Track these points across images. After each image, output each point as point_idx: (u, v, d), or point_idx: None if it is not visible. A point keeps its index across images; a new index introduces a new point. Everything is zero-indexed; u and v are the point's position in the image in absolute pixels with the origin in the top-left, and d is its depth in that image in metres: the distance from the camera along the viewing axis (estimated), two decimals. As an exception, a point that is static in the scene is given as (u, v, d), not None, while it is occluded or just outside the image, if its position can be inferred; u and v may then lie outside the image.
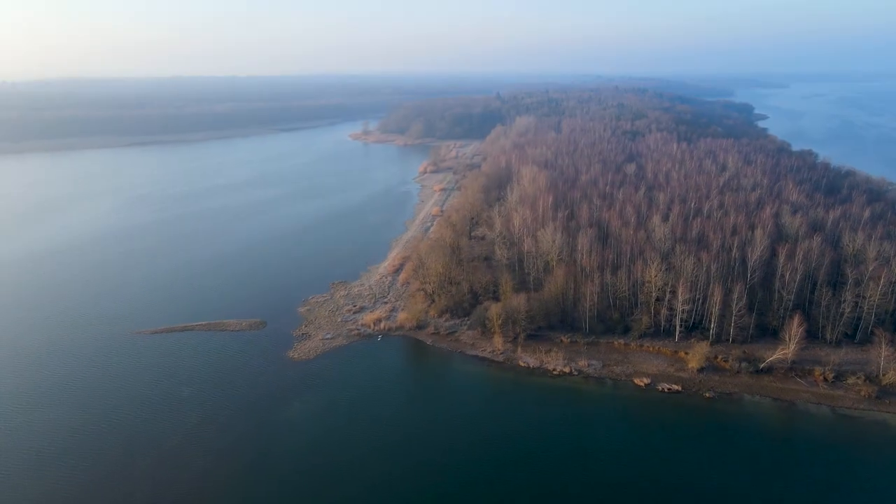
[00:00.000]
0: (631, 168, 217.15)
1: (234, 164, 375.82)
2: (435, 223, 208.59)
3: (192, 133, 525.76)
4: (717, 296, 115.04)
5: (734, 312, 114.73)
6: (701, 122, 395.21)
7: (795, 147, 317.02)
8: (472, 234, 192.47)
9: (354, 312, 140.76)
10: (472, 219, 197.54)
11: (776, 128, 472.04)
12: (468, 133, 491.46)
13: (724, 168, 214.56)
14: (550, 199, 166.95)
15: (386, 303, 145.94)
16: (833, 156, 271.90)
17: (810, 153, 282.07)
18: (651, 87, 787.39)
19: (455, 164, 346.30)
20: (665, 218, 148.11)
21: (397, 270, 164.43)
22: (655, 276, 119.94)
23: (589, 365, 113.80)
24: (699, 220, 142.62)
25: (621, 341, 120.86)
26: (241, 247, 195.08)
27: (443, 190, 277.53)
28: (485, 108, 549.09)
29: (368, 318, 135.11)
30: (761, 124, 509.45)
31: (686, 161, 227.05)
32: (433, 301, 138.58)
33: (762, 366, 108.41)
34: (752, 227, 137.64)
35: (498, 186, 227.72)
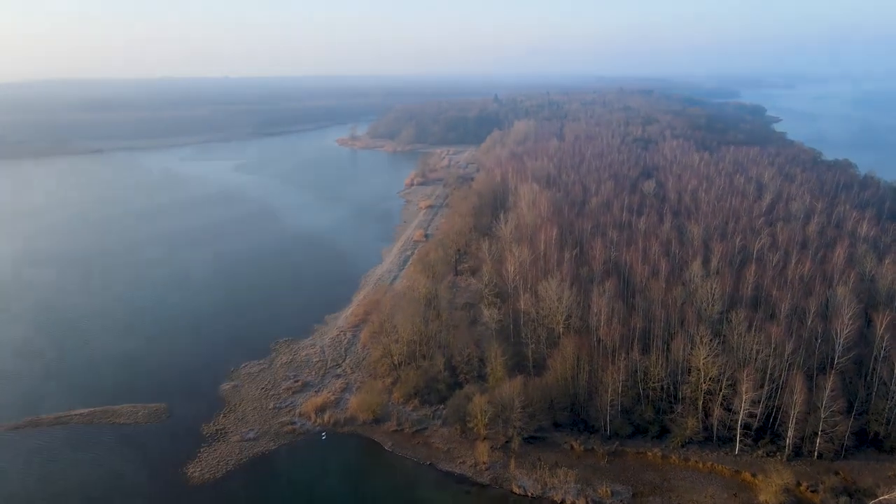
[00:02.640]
0: (649, 186, 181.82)
1: (201, 174, 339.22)
2: (412, 258, 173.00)
3: (167, 138, 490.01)
4: (797, 390, 79.77)
5: (823, 416, 79.59)
6: (717, 126, 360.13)
7: (827, 155, 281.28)
8: (459, 267, 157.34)
9: (294, 392, 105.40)
10: (459, 250, 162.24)
11: (795, 132, 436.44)
12: (462, 138, 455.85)
13: (761, 186, 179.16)
14: (554, 231, 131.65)
15: (338, 376, 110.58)
16: (870, 165, 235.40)
17: (849, 164, 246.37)
18: (656, 88, 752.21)
19: (446, 175, 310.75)
20: (705, 262, 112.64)
21: (359, 325, 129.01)
22: (706, 362, 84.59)
23: (613, 494, 78.62)
24: (752, 267, 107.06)
25: (657, 451, 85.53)
26: (166, 289, 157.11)
27: (430, 207, 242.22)
28: (481, 111, 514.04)
29: (310, 404, 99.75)
30: (777, 128, 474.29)
31: (714, 177, 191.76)
32: (398, 378, 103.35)
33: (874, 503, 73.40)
34: (829, 281, 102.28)
35: (492, 206, 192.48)
